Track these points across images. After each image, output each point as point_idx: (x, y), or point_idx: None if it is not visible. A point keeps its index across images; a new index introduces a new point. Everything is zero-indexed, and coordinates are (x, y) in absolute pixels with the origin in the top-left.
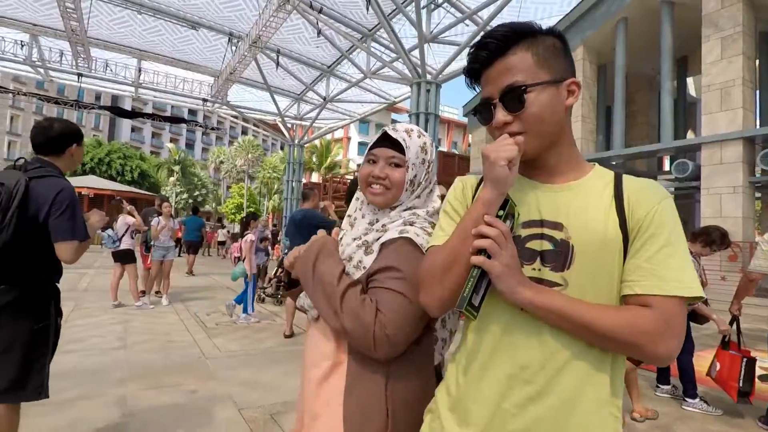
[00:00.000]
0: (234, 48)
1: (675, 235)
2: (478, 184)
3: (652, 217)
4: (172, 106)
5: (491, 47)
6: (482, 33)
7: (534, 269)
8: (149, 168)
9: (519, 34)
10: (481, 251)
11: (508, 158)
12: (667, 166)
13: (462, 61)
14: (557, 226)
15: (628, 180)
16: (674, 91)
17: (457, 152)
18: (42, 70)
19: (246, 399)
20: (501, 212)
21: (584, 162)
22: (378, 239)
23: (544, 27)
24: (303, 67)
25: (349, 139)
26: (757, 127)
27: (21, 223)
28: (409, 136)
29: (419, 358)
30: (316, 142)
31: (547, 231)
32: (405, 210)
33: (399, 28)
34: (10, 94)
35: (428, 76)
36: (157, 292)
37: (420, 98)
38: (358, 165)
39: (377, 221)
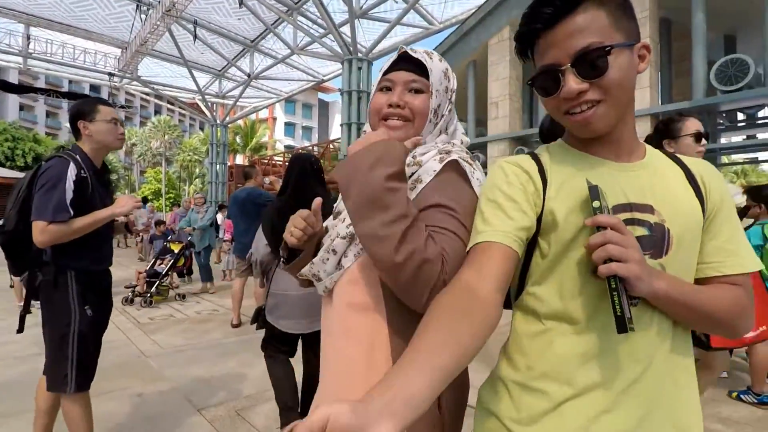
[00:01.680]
0: (144, 16)
1: (736, 214)
2: (540, 169)
3: (723, 198)
4: (71, 81)
5: (557, 3)
6: (411, 11)
7: None
8: (46, 152)
9: None
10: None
11: None
12: None
13: (392, 39)
14: (647, 208)
15: (687, 160)
16: None
17: None
18: None
19: (203, 398)
20: (597, 203)
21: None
22: (413, 174)
23: None
24: (224, 41)
25: (274, 119)
26: (659, 104)
27: (27, 208)
28: (431, 58)
29: None
30: (240, 122)
31: (637, 215)
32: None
33: (327, 2)
34: None
35: (359, 54)
36: None
37: (351, 75)
38: (285, 146)
39: None
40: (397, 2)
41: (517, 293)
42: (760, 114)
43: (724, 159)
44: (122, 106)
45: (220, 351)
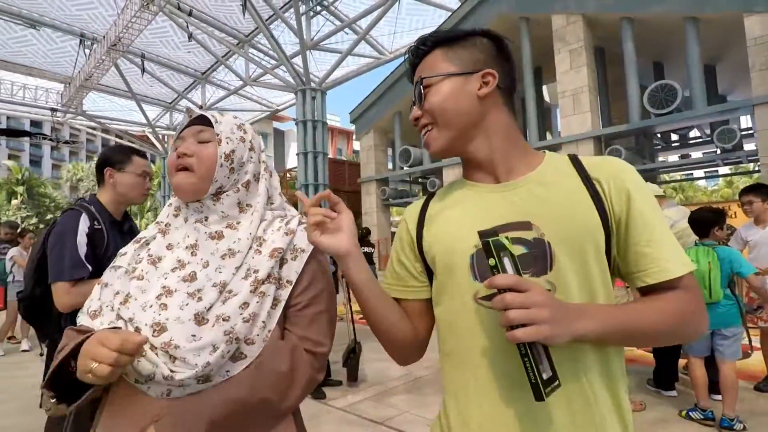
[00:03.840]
0: (88, 51)
1: (658, 209)
2: (421, 211)
3: (631, 197)
4: (9, 117)
5: (417, 53)
6: (363, 41)
7: None
8: None
9: (441, 40)
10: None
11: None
12: None
13: (345, 69)
14: (524, 225)
15: (588, 161)
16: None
17: (345, 159)
18: None
19: None
20: (492, 260)
21: (534, 152)
22: (291, 243)
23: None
24: (174, 73)
25: None
26: (600, 128)
27: (42, 270)
28: (222, 114)
29: None
30: None
31: (513, 234)
32: (264, 206)
33: (278, 35)
34: None
35: (312, 84)
36: (10, 338)
37: (306, 106)
38: None
39: (206, 219)
40: (347, 33)
41: None
42: (691, 134)
43: (665, 177)
44: (66, 142)
45: None
